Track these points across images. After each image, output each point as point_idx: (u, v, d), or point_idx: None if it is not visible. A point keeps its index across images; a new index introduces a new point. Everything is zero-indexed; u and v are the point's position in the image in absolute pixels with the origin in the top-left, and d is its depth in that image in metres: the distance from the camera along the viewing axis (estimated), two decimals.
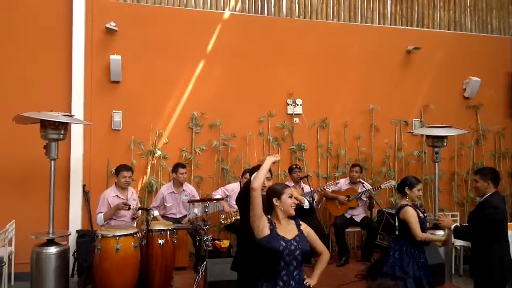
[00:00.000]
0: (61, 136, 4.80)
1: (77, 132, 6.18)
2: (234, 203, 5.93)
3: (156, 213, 5.82)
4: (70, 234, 5.38)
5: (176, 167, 5.99)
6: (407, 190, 4.22)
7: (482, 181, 3.96)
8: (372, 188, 6.40)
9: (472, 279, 3.98)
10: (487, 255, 3.79)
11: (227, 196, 6.09)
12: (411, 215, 4.04)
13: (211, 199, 5.70)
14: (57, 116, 4.70)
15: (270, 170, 3.35)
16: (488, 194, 3.93)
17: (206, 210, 5.35)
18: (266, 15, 7.12)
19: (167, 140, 6.60)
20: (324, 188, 6.38)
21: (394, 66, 7.45)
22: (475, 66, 7.66)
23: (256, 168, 3.21)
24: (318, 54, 7.14)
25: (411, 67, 7.51)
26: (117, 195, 5.28)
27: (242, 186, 5.96)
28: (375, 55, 7.36)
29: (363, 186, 6.28)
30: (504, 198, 4.01)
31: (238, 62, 6.85)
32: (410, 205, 4.15)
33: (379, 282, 1.96)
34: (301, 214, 3.25)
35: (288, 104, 7.02)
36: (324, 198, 6.60)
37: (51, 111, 4.83)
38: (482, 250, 3.84)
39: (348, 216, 6.34)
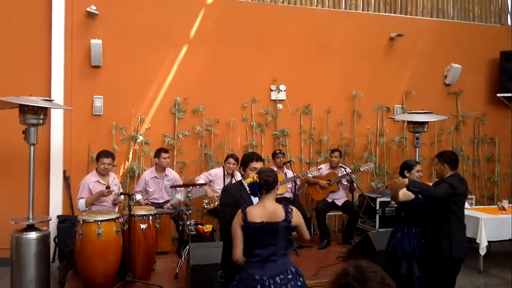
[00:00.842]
0: (41, 121, 4.72)
1: (57, 117, 6.09)
2: (217, 187, 5.97)
3: (138, 197, 5.80)
4: (50, 220, 5.33)
5: (159, 152, 5.97)
6: (406, 174, 4.32)
7: (439, 164, 4.05)
8: (352, 171, 6.47)
9: (422, 255, 4.09)
10: (437, 232, 3.91)
11: (210, 181, 6.10)
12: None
13: (194, 184, 5.71)
14: (36, 101, 4.61)
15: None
16: (447, 176, 4.00)
17: (189, 195, 5.36)
18: (250, 0, 7.07)
19: (149, 125, 6.56)
20: (306, 173, 6.44)
21: (377, 53, 7.49)
22: (457, 53, 7.75)
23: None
24: (302, 40, 7.13)
25: (394, 54, 7.56)
26: (98, 181, 5.24)
27: (225, 173, 5.98)
28: (358, 41, 7.39)
29: (344, 170, 6.35)
30: (463, 179, 4.06)
31: (221, 47, 6.80)
32: None
33: (354, 264, 1.99)
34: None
35: (272, 90, 7.02)
36: (306, 184, 6.65)
37: (30, 95, 4.74)
38: (432, 227, 3.97)
39: (329, 200, 6.42)
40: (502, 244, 6.45)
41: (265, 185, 2.99)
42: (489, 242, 5.76)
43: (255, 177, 3.01)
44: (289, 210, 2.97)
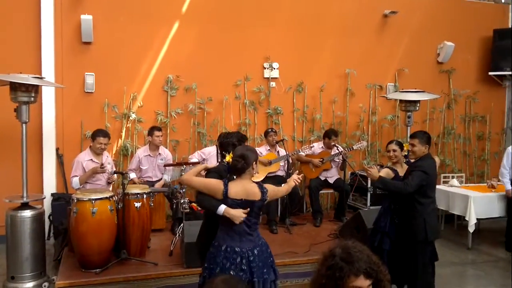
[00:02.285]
0: (32, 98, 4.66)
1: (48, 95, 6.05)
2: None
3: (132, 175, 5.83)
4: (44, 198, 5.33)
5: (152, 130, 5.96)
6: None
7: (420, 145, 4.05)
8: (344, 150, 6.52)
9: (398, 238, 4.18)
10: (411, 215, 3.99)
11: (204, 159, 6.10)
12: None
13: (187, 163, 5.72)
14: (27, 79, 4.54)
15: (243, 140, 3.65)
16: (421, 157, 4.05)
17: (183, 173, 5.38)
18: None
19: (141, 103, 6.52)
20: (299, 151, 6.47)
21: (370, 30, 7.45)
22: (450, 31, 7.74)
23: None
24: (296, 17, 7.07)
25: (388, 32, 7.52)
26: (92, 159, 5.25)
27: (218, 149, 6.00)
28: (352, 19, 7.33)
29: (337, 149, 6.38)
30: (433, 164, 4.11)
31: (214, 24, 6.72)
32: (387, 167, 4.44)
33: (341, 244, 2.05)
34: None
35: (265, 68, 6.98)
36: (299, 162, 6.70)
37: (20, 73, 4.68)
38: (406, 211, 4.04)
39: (322, 178, 6.47)
40: (490, 222, 6.61)
41: (233, 168, 3.17)
42: (478, 219, 5.89)
43: (229, 159, 3.18)
44: (265, 190, 3.17)
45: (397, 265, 4.05)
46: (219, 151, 3.53)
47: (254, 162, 3.17)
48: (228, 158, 3.17)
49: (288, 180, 3.47)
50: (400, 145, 4.40)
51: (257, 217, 3.22)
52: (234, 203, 3.09)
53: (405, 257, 4.05)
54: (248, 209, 3.11)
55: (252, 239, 3.15)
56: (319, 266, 2.03)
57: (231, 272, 3.01)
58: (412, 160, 4.22)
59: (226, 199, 3.09)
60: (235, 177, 3.21)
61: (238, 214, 3.06)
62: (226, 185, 3.11)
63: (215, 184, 3.13)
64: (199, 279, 3.33)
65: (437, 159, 4.52)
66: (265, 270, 3.12)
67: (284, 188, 3.41)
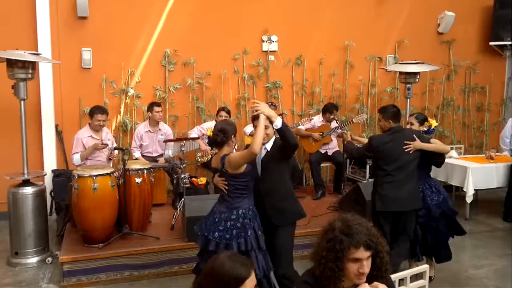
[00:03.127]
0: (29, 75, 4.63)
1: (46, 71, 6.00)
2: None
3: (137, 154, 5.84)
4: (45, 175, 5.37)
5: (151, 105, 5.94)
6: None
7: (383, 120, 4.12)
8: (344, 123, 6.52)
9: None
10: (374, 187, 4.14)
11: (203, 134, 6.11)
12: None
13: (187, 138, 5.73)
14: (23, 55, 4.50)
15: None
16: (382, 132, 4.17)
17: (183, 149, 5.40)
18: None
19: (139, 78, 6.48)
20: (298, 124, 6.46)
21: (370, 1, 7.33)
22: (450, 1, 7.60)
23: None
24: None
25: (387, 2, 7.39)
26: (91, 136, 5.25)
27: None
28: None
29: (336, 122, 6.37)
30: (400, 134, 4.05)
31: None
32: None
33: (340, 218, 2.08)
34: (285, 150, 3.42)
35: (263, 41, 6.90)
36: (298, 136, 6.69)
37: (16, 49, 4.63)
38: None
39: (323, 151, 6.48)
40: (488, 192, 6.67)
41: (214, 142, 3.42)
42: (476, 190, 5.94)
43: (210, 133, 3.42)
44: (223, 162, 3.33)
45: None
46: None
47: (233, 135, 3.38)
48: (209, 132, 3.33)
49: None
50: (421, 120, 4.39)
51: (232, 185, 3.34)
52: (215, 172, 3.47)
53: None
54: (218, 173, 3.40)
55: (227, 205, 3.37)
56: (319, 239, 2.06)
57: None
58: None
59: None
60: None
61: (216, 180, 3.45)
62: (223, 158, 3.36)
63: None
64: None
65: (433, 123, 4.53)
66: (233, 235, 3.27)
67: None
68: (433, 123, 4.40)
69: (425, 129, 4.36)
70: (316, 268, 2.04)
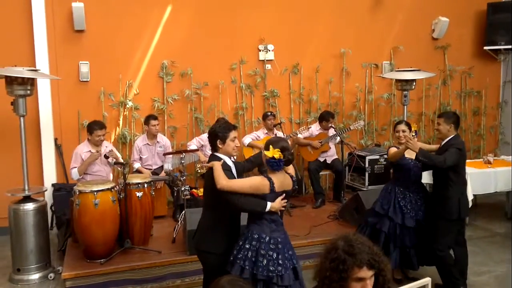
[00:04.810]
0: (28, 91, 4.64)
1: (44, 86, 6.01)
2: (209, 152, 6.00)
3: (137, 165, 5.87)
4: (46, 190, 5.36)
5: (148, 119, 5.96)
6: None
7: (445, 124, 4.13)
8: (342, 130, 6.56)
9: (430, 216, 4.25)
10: (445, 195, 4.07)
11: (202, 145, 6.14)
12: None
13: (186, 151, 5.75)
14: (22, 72, 4.52)
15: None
16: (451, 137, 4.12)
17: (182, 161, 5.42)
18: None
19: (137, 90, 6.50)
20: (296, 133, 6.49)
21: (365, 9, 7.39)
22: (444, 6, 7.68)
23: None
24: None
25: (382, 9, 7.45)
26: (90, 151, 5.26)
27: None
28: None
29: (334, 130, 6.40)
30: (464, 142, 4.23)
31: (207, 7, 6.65)
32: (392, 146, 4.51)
33: (343, 237, 2.10)
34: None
35: (260, 50, 6.94)
36: (297, 145, 6.72)
37: (15, 66, 4.65)
38: (441, 190, 4.12)
39: (321, 159, 6.51)
40: (486, 196, 6.69)
41: (288, 163, 3.16)
42: (474, 195, 5.97)
43: (279, 154, 3.04)
44: (294, 179, 3.25)
45: (423, 245, 4.23)
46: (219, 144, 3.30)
47: None
48: (273, 153, 3.03)
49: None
50: (409, 126, 4.38)
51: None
52: (278, 196, 3.12)
53: (432, 235, 4.14)
54: (284, 195, 3.14)
55: (284, 228, 3.22)
56: (323, 259, 2.08)
57: (280, 262, 3.03)
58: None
59: (271, 193, 3.09)
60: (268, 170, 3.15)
61: (280, 206, 3.11)
62: (270, 180, 3.09)
63: (260, 181, 3.09)
64: (233, 267, 3.11)
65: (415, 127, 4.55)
66: (295, 255, 3.20)
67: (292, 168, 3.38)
68: (416, 127, 4.43)
69: (413, 135, 4.40)
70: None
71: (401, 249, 4.28)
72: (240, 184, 3.08)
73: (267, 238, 3.07)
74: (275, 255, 3.04)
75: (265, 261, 3.02)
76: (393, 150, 4.32)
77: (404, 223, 4.23)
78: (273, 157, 3.04)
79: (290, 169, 3.29)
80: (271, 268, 3.01)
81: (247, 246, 3.08)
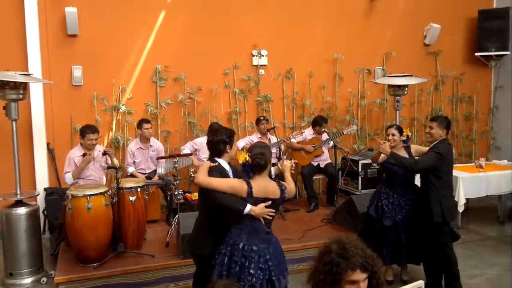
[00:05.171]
0: (21, 96, 4.62)
1: (36, 90, 5.98)
2: (203, 156, 6.02)
3: (131, 169, 5.86)
4: (38, 195, 5.33)
5: (140, 123, 5.96)
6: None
7: (438, 129, 4.16)
8: (335, 135, 6.59)
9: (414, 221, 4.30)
10: (427, 197, 4.11)
11: (196, 150, 6.14)
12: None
13: (180, 155, 5.75)
14: (15, 76, 4.50)
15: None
16: (438, 141, 4.16)
17: (176, 166, 5.42)
18: None
19: (131, 95, 6.49)
20: (290, 138, 6.51)
21: (358, 15, 7.45)
22: (436, 13, 7.76)
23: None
24: (283, 3, 7.03)
25: (375, 15, 7.52)
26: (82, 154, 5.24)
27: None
28: (339, 3, 7.32)
29: (327, 134, 6.44)
30: (451, 147, 4.27)
31: (200, 12, 6.67)
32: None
33: (336, 240, 2.11)
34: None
35: (253, 56, 6.97)
36: (290, 149, 6.74)
37: (7, 70, 4.63)
38: (424, 192, 4.17)
39: (315, 164, 6.53)
40: (478, 200, 6.74)
41: (256, 167, 3.11)
42: (466, 199, 6.01)
43: (247, 157, 3.07)
44: (283, 188, 3.17)
45: (414, 244, 4.28)
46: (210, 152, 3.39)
47: (271, 158, 3.20)
48: (244, 157, 3.07)
49: (282, 170, 3.33)
50: (400, 130, 4.38)
51: (274, 215, 3.18)
52: (258, 202, 3.08)
53: (424, 237, 4.20)
54: (270, 202, 3.10)
55: (269, 238, 3.15)
56: (316, 262, 2.09)
57: (251, 271, 2.99)
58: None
59: (250, 198, 3.07)
60: (251, 174, 3.14)
61: (262, 211, 3.06)
62: (249, 184, 3.08)
63: (238, 183, 3.09)
64: (213, 271, 3.14)
65: (408, 132, 4.57)
66: (282, 268, 3.14)
67: (292, 183, 3.30)
68: (408, 132, 4.47)
69: (404, 139, 4.43)
70: None
71: (392, 246, 4.33)
72: (218, 182, 3.09)
73: (241, 244, 3.05)
74: (247, 263, 3.01)
75: (237, 268, 3.02)
76: (374, 153, 4.47)
77: (382, 222, 4.30)
78: (246, 161, 3.10)
79: (287, 179, 3.26)
80: (241, 276, 3.01)
81: (223, 251, 3.11)
